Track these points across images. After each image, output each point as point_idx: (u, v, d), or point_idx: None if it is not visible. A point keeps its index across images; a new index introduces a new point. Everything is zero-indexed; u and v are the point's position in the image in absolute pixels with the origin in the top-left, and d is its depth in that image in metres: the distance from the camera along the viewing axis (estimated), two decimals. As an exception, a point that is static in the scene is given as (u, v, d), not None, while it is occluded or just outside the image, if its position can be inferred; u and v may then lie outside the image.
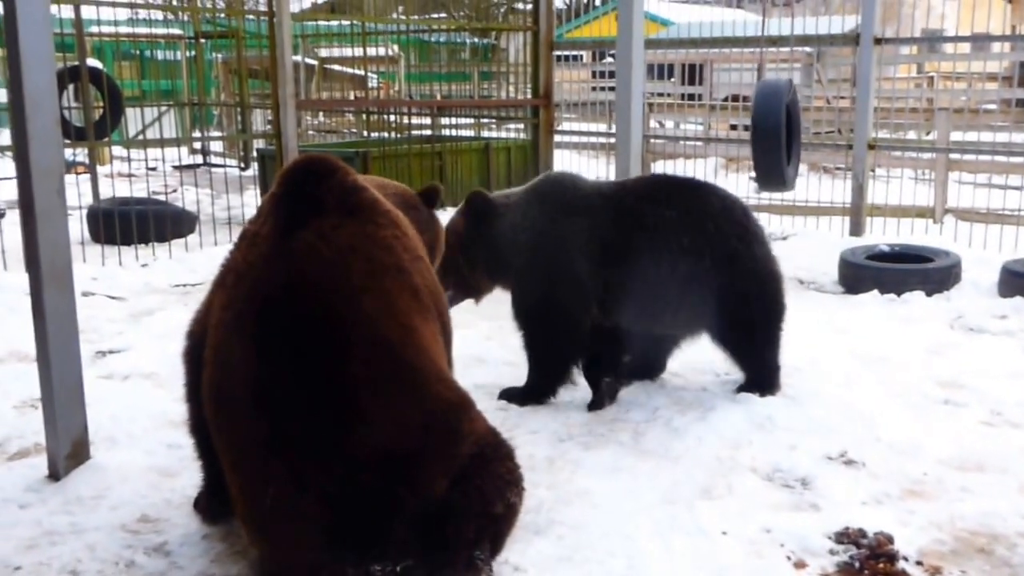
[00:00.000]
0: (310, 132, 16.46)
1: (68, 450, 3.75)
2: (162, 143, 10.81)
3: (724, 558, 3.13)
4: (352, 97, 16.90)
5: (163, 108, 15.18)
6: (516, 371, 4.75)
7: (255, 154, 12.31)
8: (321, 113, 17.53)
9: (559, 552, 3.15)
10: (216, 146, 15.80)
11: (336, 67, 17.54)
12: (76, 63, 10.12)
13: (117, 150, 14.22)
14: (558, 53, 11.97)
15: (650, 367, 4.92)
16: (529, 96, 11.67)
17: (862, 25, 9.10)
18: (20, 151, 3.65)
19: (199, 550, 3.21)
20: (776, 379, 4.64)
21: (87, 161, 11.15)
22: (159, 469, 3.83)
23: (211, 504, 3.32)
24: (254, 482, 2.63)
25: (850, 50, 10.36)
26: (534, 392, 4.58)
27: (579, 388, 4.65)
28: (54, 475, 3.75)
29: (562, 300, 4.48)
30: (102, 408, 4.21)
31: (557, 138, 12.01)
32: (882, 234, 8.74)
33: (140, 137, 13.57)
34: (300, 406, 2.61)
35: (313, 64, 17.09)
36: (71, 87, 10.68)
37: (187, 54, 15.86)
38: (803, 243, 8.70)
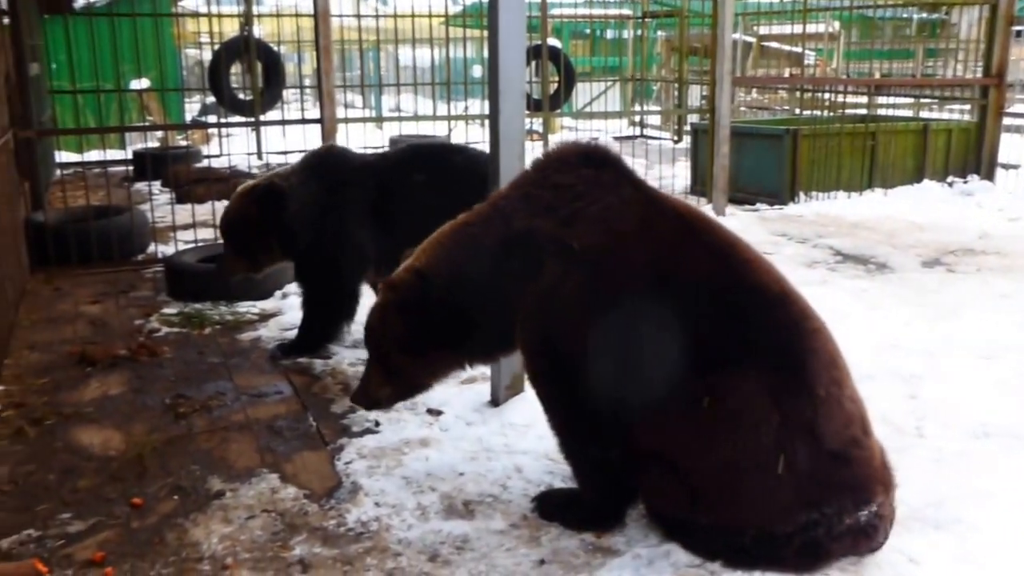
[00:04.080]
0: (742, 108, 16.27)
1: (508, 382, 4.17)
2: (605, 115, 11.35)
3: None
4: (787, 74, 16.38)
5: (608, 83, 15.92)
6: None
7: (688, 128, 12.48)
8: (754, 90, 17.24)
9: (957, 551, 2.87)
10: (653, 119, 16.26)
11: (773, 44, 17.10)
12: (538, 42, 10.97)
13: (566, 121, 15.23)
14: (1018, 28, 10.53)
15: None
16: (979, 75, 10.44)
17: None
18: (492, 119, 4.06)
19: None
20: None
21: (540, 130, 12.09)
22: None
23: None
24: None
25: None
26: (306, 345, 4.90)
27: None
28: (494, 401, 4.20)
29: (341, 265, 4.79)
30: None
31: (1007, 121, 10.64)
32: None
33: (587, 109, 14.38)
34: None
35: (751, 41, 16.82)
36: (533, 63, 11.63)
37: (634, 33, 16.44)
38: None
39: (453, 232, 3.19)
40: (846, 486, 2.67)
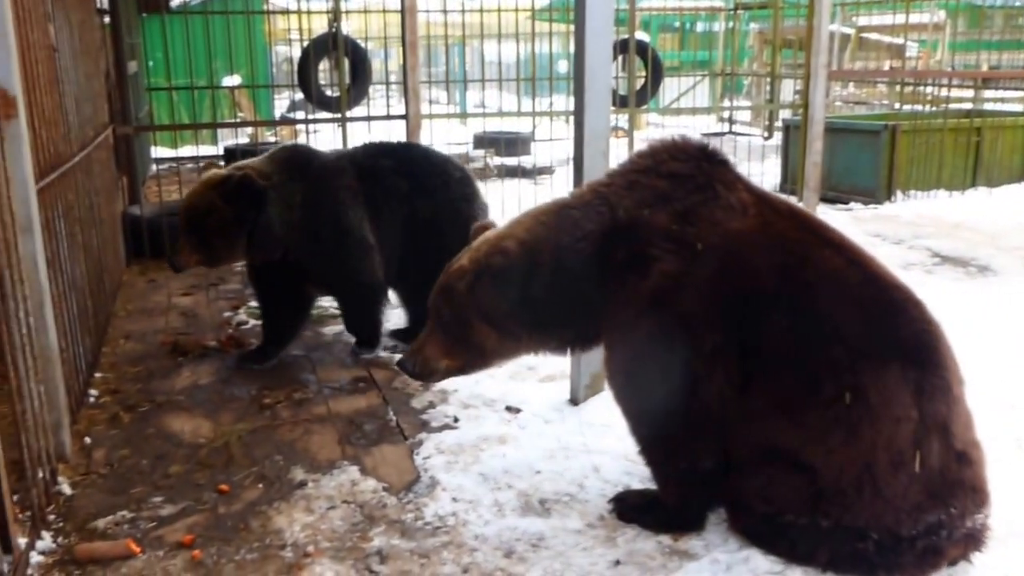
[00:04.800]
0: (837, 103, 15.88)
1: (587, 381, 4.19)
2: (693, 111, 11.24)
3: None
4: (887, 67, 15.91)
5: (697, 78, 15.74)
6: None
7: (780, 124, 12.25)
8: (852, 84, 16.80)
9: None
10: (742, 115, 16.00)
11: (873, 35, 16.63)
12: (626, 36, 10.91)
13: (653, 117, 15.12)
14: None
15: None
16: (1100, 67, 9.98)
17: None
18: (577, 115, 4.08)
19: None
20: None
21: (625, 127, 12.03)
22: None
23: None
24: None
25: None
26: (367, 338, 4.98)
27: None
28: (574, 400, 4.22)
29: (358, 258, 4.75)
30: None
31: None
32: None
33: (674, 105, 14.25)
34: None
35: (849, 33, 16.40)
36: (619, 58, 11.56)
37: (725, 25, 16.21)
38: None
39: (553, 212, 3.10)
40: (968, 487, 2.67)
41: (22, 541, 2.86)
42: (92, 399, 4.33)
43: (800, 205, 3.11)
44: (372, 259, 4.81)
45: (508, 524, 3.15)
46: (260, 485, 3.48)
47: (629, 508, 3.19)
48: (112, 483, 3.51)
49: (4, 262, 2.86)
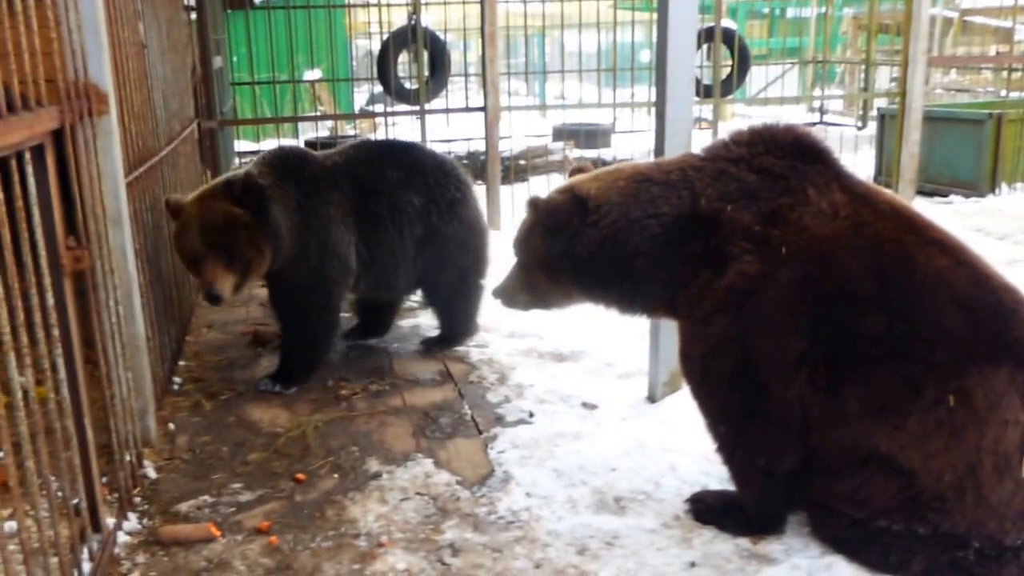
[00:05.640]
0: (938, 91, 15.39)
1: (665, 378, 4.19)
2: (781, 101, 11.04)
3: None
4: (992, 52, 15.34)
5: (787, 66, 15.44)
6: None
7: (875, 112, 11.95)
8: (953, 70, 16.25)
9: None
10: (834, 104, 15.64)
11: (978, 19, 16.05)
12: (711, 24, 10.78)
13: (739, 107, 14.89)
14: None
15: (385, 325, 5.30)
16: None
17: None
18: (659, 106, 4.07)
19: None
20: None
21: (710, 118, 11.89)
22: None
23: None
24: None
25: None
26: (304, 368, 4.59)
27: None
28: (651, 397, 4.23)
29: (329, 312, 4.59)
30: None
31: None
32: None
33: (761, 95, 14.01)
34: None
35: (951, 16, 15.86)
36: (704, 47, 11.43)
37: (817, 11, 15.86)
38: None
39: (633, 180, 3.07)
40: None
41: (110, 521, 3.02)
42: (176, 387, 4.52)
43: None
44: (335, 303, 4.60)
45: (582, 521, 3.18)
46: (336, 475, 3.58)
47: (706, 508, 3.18)
48: (194, 468, 3.66)
49: (95, 253, 3.01)
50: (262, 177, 4.36)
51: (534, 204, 3.21)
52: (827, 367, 2.75)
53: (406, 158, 4.85)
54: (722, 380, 2.96)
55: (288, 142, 5.21)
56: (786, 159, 2.94)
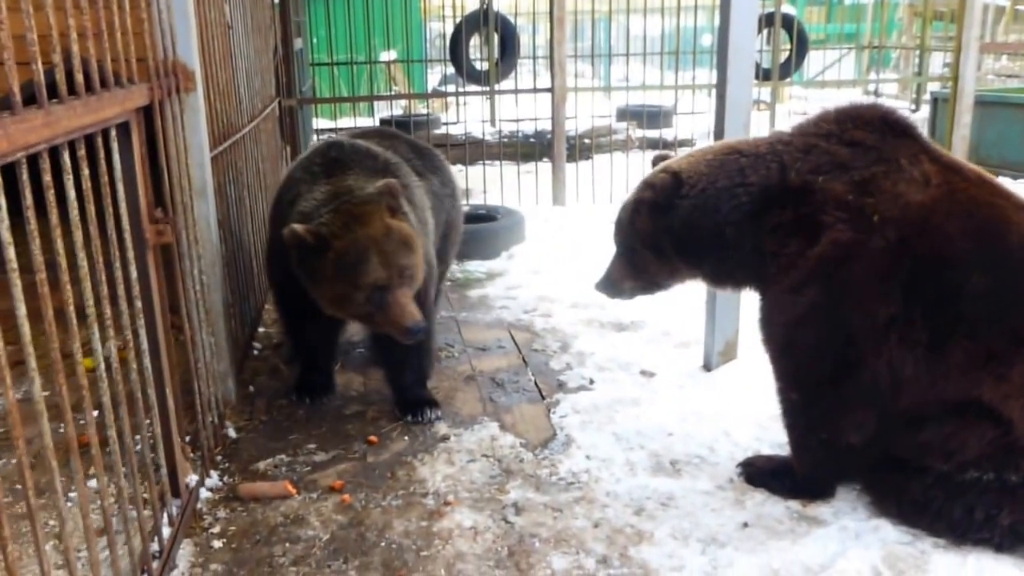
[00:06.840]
0: (989, 76, 14.72)
1: (721, 348, 4.07)
2: (838, 84, 10.68)
3: None
4: (1049, 37, 14.63)
5: (844, 51, 14.95)
6: None
7: (928, 97, 11.49)
8: (1004, 56, 15.55)
9: None
10: (889, 88, 15.09)
11: (1034, 5, 15.32)
12: (771, 10, 10.46)
13: (796, 90, 14.47)
14: None
15: None
16: None
17: None
18: (720, 88, 3.93)
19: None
20: None
21: (768, 100, 11.56)
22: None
23: None
24: None
25: None
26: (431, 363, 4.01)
27: None
28: (707, 366, 4.11)
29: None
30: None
31: None
32: None
33: (818, 79, 13.59)
34: None
35: (1004, 5, 15.15)
36: (764, 32, 11.10)
37: (874, -3, 15.28)
38: None
39: (721, 153, 3.03)
40: None
41: (193, 478, 3.02)
42: (255, 352, 4.53)
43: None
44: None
45: (639, 483, 3.10)
46: (406, 437, 3.55)
47: (758, 472, 3.10)
48: (272, 430, 3.66)
49: (181, 223, 3.00)
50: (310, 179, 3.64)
51: (636, 192, 3.14)
52: (927, 324, 2.62)
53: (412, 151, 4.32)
54: (807, 348, 2.84)
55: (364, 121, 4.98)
56: (876, 133, 2.84)
